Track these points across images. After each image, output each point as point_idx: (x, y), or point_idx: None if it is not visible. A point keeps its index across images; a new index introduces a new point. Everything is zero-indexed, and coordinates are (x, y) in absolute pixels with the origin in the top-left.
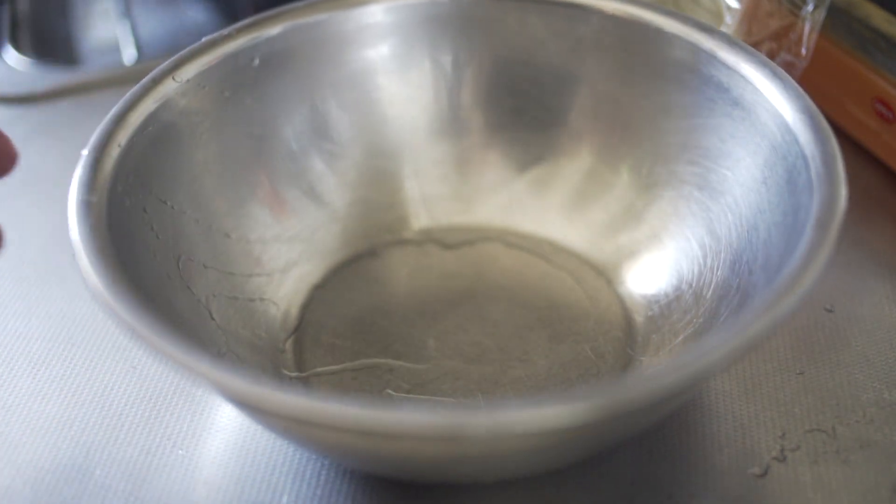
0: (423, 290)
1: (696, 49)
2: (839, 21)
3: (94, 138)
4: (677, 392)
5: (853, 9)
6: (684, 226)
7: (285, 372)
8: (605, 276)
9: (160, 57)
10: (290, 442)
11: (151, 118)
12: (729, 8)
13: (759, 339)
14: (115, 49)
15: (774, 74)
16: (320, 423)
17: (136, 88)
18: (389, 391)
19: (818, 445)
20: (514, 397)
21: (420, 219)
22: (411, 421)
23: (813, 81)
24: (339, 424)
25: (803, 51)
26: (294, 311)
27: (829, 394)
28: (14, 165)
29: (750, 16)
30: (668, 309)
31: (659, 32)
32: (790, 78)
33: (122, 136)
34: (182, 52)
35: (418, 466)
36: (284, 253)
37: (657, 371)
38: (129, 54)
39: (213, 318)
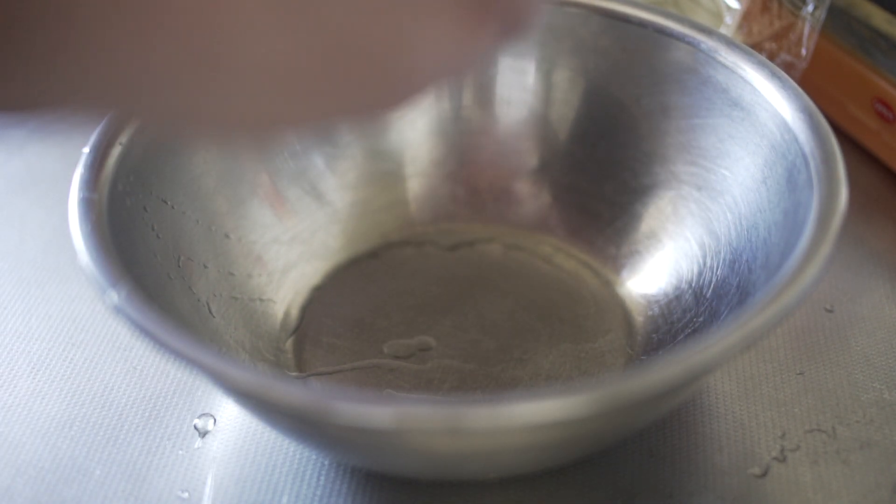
0: (424, 291)
1: (694, 50)
2: (839, 21)
3: (94, 137)
4: (677, 386)
5: (853, 9)
6: (683, 226)
7: (286, 372)
8: (605, 276)
9: None
10: (294, 438)
11: None
12: (729, 8)
13: (759, 335)
14: None
15: (773, 74)
16: (324, 416)
17: None
18: (390, 391)
19: (818, 445)
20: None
21: (420, 219)
22: (413, 413)
23: (813, 82)
24: (342, 418)
25: (803, 51)
26: (294, 311)
27: (829, 394)
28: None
29: (750, 16)
30: (667, 309)
31: (658, 34)
32: (788, 78)
33: (123, 135)
34: None
35: (418, 462)
36: (284, 253)
37: (657, 364)
38: None
39: (213, 318)
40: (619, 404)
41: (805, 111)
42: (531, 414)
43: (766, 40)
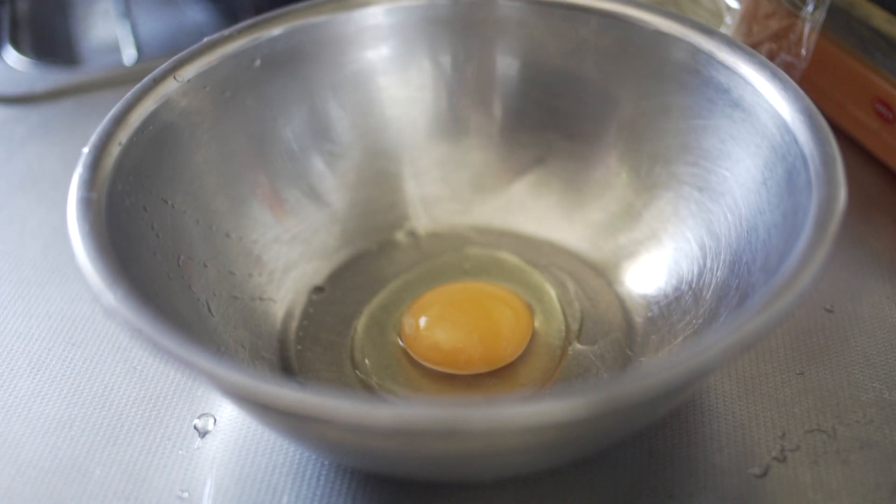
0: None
1: (695, 50)
2: (839, 21)
3: (94, 137)
4: (675, 389)
5: (853, 9)
6: (684, 227)
7: (285, 371)
8: (605, 276)
9: (160, 57)
10: (292, 441)
11: (152, 118)
12: (729, 8)
13: (757, 338)
14: (115, 49)
15: (774, 75)
16: (320, 419)
17: (136, 88)
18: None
19: (818, 445)
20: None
21: (420, 220)
22: (410, 416)
23: (813, 82)
24: (339, 420)
25: (803, 51)
26: (294, 310)
27: (829, 394)
28: None
29: (750, 16)
30: (667, 310)
31: (659, 34)
32: (790, 79)
33: (123, 135)
34: (183, 52)
35: (417, 464)
36: (285, 253)
37: (655, 367)
38: (129, 54)
39: (212, 317)
40: (616, 407)
41: (805, 113)
42: (529, 417)
43: (766, 40)
